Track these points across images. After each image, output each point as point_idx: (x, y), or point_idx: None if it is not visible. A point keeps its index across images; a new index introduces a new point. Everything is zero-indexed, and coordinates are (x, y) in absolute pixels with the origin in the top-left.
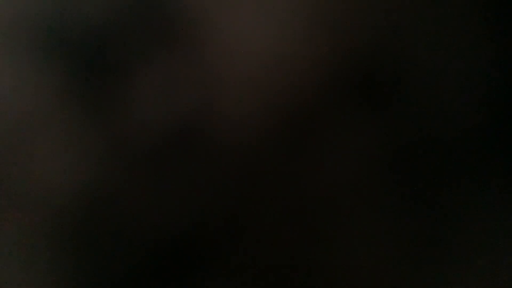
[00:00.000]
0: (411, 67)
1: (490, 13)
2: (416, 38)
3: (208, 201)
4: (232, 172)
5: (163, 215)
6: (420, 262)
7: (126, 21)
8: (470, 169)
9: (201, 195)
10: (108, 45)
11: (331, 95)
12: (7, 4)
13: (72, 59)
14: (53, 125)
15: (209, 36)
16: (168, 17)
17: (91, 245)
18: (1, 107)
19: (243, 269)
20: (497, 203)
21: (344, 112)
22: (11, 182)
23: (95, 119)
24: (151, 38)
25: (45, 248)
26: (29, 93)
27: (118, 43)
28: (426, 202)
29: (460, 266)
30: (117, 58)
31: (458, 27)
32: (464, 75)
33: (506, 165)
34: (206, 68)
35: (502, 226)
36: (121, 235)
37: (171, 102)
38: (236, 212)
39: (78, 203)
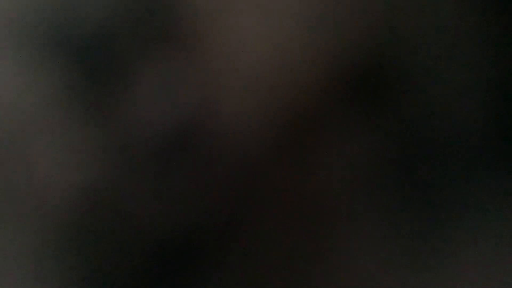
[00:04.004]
0: (411, 68)
1: (490, 13)
2: (416, 38)
3: (209, 201)
4: (233, 172)
5: (163, 215)
6: (420, 262)
7: (126, 21)
8: (470, 169)
9: (201, 195)
10: (108, 45)
11: (331, 96)
12: (7, 4)
13: (72, 59)
14: (53, 125)
15: (210, 36)
16: (168, 17)
17: (91, 245)
18: (1, 107)
19: (243, 270)
20: (498, 203)
21: (344, 113)
22: (11, 182)
23: (95, 119)
24: (151, 38)
25: (45, 248)
26: (29, 93)
27: (118, 43)
28: (427, 202)
29: (460, 265)
30: (117, 58)
31: (458, 27)
32: (464, 75)
33: (506, 165)
34: (206, 69)
35: (502, 226)
36: (121, 235)
37: (171, 102)
38: (236, 213)
39: (78, 203)
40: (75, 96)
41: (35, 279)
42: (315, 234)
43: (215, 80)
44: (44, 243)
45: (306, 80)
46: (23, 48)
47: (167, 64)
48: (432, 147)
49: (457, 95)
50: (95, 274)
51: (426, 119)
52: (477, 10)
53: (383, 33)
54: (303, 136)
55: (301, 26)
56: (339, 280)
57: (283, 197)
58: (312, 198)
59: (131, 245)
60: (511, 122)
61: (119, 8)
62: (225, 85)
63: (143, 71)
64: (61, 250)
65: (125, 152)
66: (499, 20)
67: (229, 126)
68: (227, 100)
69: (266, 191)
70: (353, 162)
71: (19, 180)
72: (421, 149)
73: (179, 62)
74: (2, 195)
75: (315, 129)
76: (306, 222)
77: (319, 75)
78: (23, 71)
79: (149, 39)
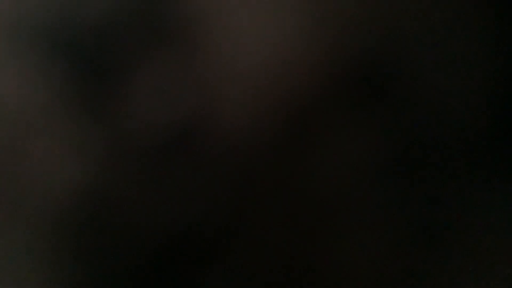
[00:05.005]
0: (411, 68)
1: (490, 13)
2: (416, 38)
3: (208, 202)
4: (232, 173)
5: (162, 216)
6: (420, 262)
7: (126, 21)
8: (471, 169)
9: (200, 196)
10: (108, 45)
11: (331, 97)
12: (7, 5)
13: (72, 59)
14: (53, 125)
15: (209, 37)
16: (168, 17)
17: (90, 245)
18: (1, 107)
19: (242, 271)
20: (498, 204)
21: (344, 114)
22: (11, 182)
23: (95, 119)
24: (151, 39)
25: (45, 248)
26: (29, 93)
27: (118, 43)
28: (426, 202)
29: (460, 266)
30: (117, 58)
31: (458, 27)
32: (464, 75)
33: (506, 165)
34: (206, 69)
35: (503, 226)
36: (120, 235)
37: (170, 103)
38: (235, 213)
39: (77, 203)
40: (74, 96)
41: (34, 279)
42: (315, 233)
43: (214, 80)
44: (44, 243)
45: (306, 80)
46: (23, 48)
47: (166, 64)
48: (432, 146)
49: (458, 95)
50: (95, 273)
51: (427, 119)
52: (478, 9)
53: (383, 33)
54: (303, 136)
55: (300, 27)
56: (340, 278)
57: (283, 196)
58: (312, 197)
59: (131, 244)
60: (511, 122)
61: (119, 9)
62: (224, 85)
63: (143, 71)
64: (61, 250)
65: (124, 152)
66: (499, 20)
67: (228, 126)
68: (226, 100)
69: (266, 192)
70: (353, 161)
71: (19, 180)
72: (421, 148)
73: (178, 63)
74: (1, 194)
75: (315, 129)
76: (306, 221)
77: (319, 76)
78: (23, 72)
79: (149, 39)
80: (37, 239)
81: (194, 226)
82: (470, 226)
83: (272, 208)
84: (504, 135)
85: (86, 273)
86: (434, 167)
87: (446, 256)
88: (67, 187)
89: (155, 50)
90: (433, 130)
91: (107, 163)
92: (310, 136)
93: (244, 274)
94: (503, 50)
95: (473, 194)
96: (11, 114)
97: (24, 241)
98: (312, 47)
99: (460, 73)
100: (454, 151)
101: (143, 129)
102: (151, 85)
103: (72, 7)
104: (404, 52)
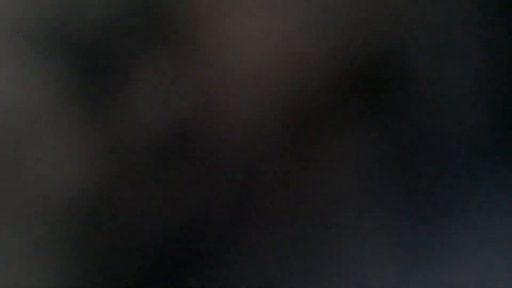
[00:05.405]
0: (412, 68)
1: (490, 13)
2: (417, 38)
3: (208, 201)
4: (233, 173)
5: (163, 215)
6: (420, 260)
7: (126, 21)
8: (470, 169)
9: (201, 195)
10: (108, 45)
11: (332, 96)
12: (8, 5)
13: (73, 60)
14: (53, 125)
15: (210, 36)
16: (168, 17)
17: (91, 245)
18: (2, 107)
19: (243, 268)
20: (498, 203)
21: (345, 113)
22: (12, 182)
23: (95, 119)
24: (152, 38)
25: (46, 248)
26: (30, 93)
27: (118, 43)
28: (427, 201)
29: (460, 263)
30: (117, 58)
31: (458, 27)
32: (465, 75)
33: (506, 165)
34: (206, 69)
35: (503, 225)
36: (120, 234)
37: (171, 102)
38: (236, 213)
39: (77, 203)
40: (75, 96)
41: (35, 278)
42: (315, 231)
43: (215, 81)
44: (44, 242)
45: (306, 80)
46: (24, 49)
47: (167, 64)
48: (432, 146)
49: (458, 95)
50: (95, 273)
51: (426, 119)
52: (478, 10)
53: (384, 34)
54: (303, 135)
55: (302, 27)
56: (340, 276)
57: (283, 196)
58: (312, 196)
59: (131, 244)
60: (511, 122)
61: (119, 9)
62: (224, 85)
63: (143, 71)
64: (62, 249)
65: (125, 152)
66: (500, 20)
67: (229, 126)
68: (226, 100)
69: (266, 190)
70: (353, 160)
71: (20, 180)
72: (421, 148)
73: (179, 63)
74: (2, 194)
75: (315, 129)
76: (306, 220)
77: (319, 75)
78: (24, 72)
79: (149, 39)
80: (36, 240)
81: (194, 226)
82: (470, 224)
83: (273, 208)
84: (504, 134)
85: (86, 273)
86: (435, 165)
87: (446, 253)
88: (67, 187)
89: (156, 50)
90: (434, 130)
91: (108, 162)
92: (311, 136)
93: (244, 273)
94: (504, 50)
95: (473, 192)
96: (11, 115)
97: (24, 240)
98: (313, 47)
99: (461, 73)
100: (455, 149)
101: (144, 128)
102: (152, 85)
103: (72, 8)
104: (405, 53)
